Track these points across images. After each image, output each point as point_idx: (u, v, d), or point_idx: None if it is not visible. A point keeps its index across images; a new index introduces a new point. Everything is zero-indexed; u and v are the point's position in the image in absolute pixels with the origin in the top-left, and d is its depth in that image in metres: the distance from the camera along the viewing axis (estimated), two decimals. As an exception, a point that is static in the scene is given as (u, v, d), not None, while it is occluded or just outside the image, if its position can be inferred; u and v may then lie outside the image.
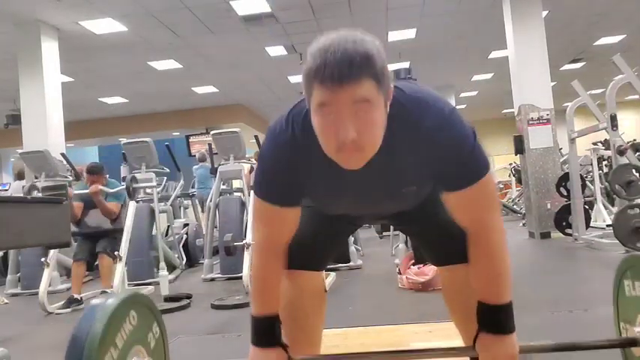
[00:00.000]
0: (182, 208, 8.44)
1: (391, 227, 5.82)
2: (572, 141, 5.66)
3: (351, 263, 4.94)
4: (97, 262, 4.59)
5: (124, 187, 4.45)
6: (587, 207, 5.81)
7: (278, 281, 1.35)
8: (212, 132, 5.43)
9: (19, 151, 5.96)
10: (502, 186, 13.83)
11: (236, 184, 6.38)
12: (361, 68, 0.99)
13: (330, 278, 4.25)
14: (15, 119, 8.97)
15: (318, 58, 1.01)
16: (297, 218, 1.30)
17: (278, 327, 1.32)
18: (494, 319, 1.24)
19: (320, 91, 1.01)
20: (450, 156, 1.15)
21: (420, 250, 1.51)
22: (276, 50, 8.98)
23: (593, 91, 10.45)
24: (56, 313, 4.01)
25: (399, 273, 3.90)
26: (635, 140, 7.81)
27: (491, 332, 1.23)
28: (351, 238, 5.07)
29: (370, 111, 1.02)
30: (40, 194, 4.33)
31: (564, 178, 5.92)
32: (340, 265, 4.94)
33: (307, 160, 1.19)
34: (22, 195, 4.84)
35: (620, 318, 1.47)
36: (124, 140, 5.58)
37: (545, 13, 6.98)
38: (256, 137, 6.09)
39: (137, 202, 4.62)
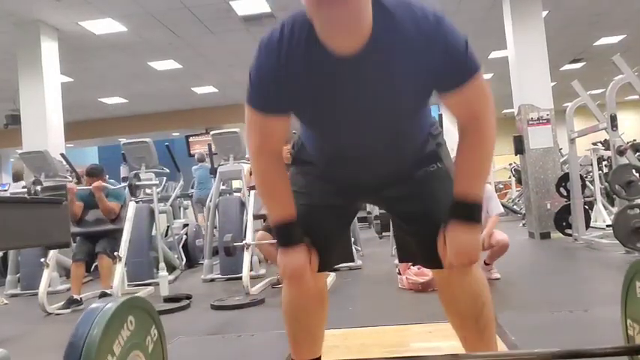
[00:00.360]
0: (182, 209, 8.44)
1: (391, 228, 5.81)
2: (572, 141, 5.66)
3: (351, 264, 4.94)
4: (96, 263, 4.59)
5: (125, 186, 4.45)
6: (587, 207, 5.81)
7: (283, 182, 1.39)
8: (212, 132, 5.43)
9: (19, 151, 5.95)
10: (502, 186, 13.83)
11: (236, 184, 6.38)
12: None
13: (329, 278, 4.25)
14: (14, 119, 8.97)
15: None
16: (286, 129, 1.32)
17: (296, 228, 1.38)
18: (467, 209, 1.29)
19: None
20: (447, 53, 1.17)
21: (414, 253, 1.47)
22: (276, 50, 8.96)
23: (593, 92, 10.44)
24: (56, 314, 4.01)
25: (399, 273, 3.90)
26: (635, 140, 7.80)
27: (462, 221, 1.28)
28: (351, 238, 5.06)
29: None
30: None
31: (564, 179, 5.92)
32: (340, 265, 4.93)
33: (296, 58, 1.19)
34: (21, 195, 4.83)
35: (627, 316, 1.48)
36: (123, 140, 5.58)
37: (545, 13, 6.98)
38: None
39: (137, 202, 4.62)
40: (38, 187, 4.12)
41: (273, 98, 1.25)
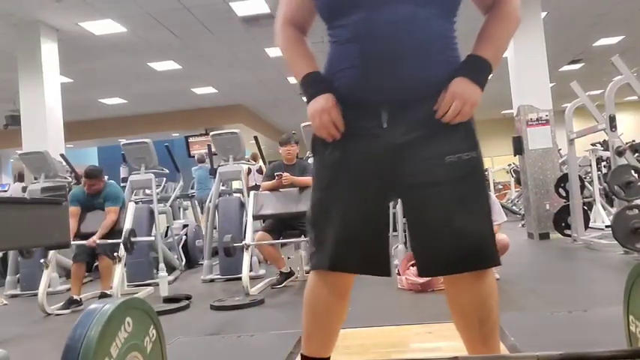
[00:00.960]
0: (181, 209, 8.45)
1: (390, 229, 5.81)
2: (571, 142, 5.67)
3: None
4: (96, 264, 4.59)
5: (124, 186, 4.42)
6: (586, 208, 5.82)
7: (305, 45, 1.46)
8: (211, 133, 5.43)
9: (19, 151, 5.95)
10: (501, 187, 13.84)
11: (235, 185, 6.38)
12: None
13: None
14: (14, 120, 8.96)
15: None
16: (307, 9, 1.42)
17: (321, 78, 1.39)
18: (477, 67, 1.33)
19: None
20: None
21: (419, 255, 1.40)
22: (276, 51, 8.97)
23: (592, 92, 10.42)
24: (55, 314, 4.01)
25: (398, 274, 3.90)
26: (633, 141, 7.79)
27: (467, 77, 1.30)
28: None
29: None
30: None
31: (563, 179, 5.93)
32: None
33: None
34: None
35: (630, 312, 1.48)
36: (123, 141, 5.58)
37: (544, 14, 6.99)
38: (256, 138, 6.09)
39: (136, 203, 4.61)
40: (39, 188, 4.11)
41: None
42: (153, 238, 4.92)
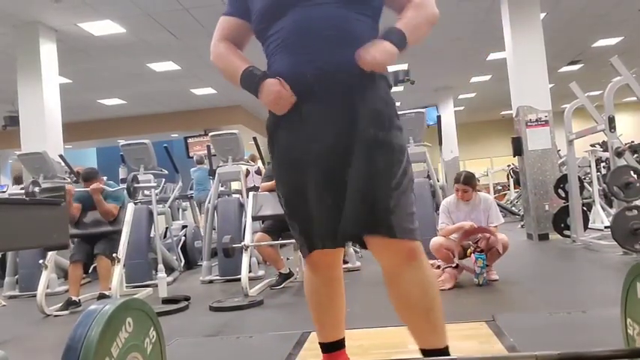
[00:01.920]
0: (180, 210, 8.44)
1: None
2: (570, 143, 5.67)
3: (349, 265, 4.94)
4: (94, 264, 4.58)
5: (123, 188, 4.43)
6: (585, 209, 5.82)
7: (237, 51, 1.63)
8: (210, 133, 5.43)
9: (18, 152, 5.95)
10: (500, 188, 13.85)
11: (234, 185, 6.38)
12: None
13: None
14: (13, 121, 8.97)
15: None
16: (242, 30, 1.61)
17: (257, 69, 1.55)
18: (393, 34, 1.43)
19: None
20: None
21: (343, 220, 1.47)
22: (275, 52, 8.97)
23: (591, 93, 10.45)
24: (54, 315, 4.00)
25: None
26: (633, 142, 7.81)
27: (386, 39, 1.42)
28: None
29: None
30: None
31: (562, 180, 5.93)
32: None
33: None
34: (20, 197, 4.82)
35: (627, 315, 1.49)
36: (122, 142, 5.58)
37: (543, 15, 6.99)
38: (255, 139, 6.09)
39: (135, 203, 4.61)
40: (36, 189, 4.13)
41: (236, 6, 1.61)
42: (152, 185, 4.96)
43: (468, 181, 3.89)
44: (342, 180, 1.43)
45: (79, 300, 4.17)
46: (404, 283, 1.46)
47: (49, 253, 4.32)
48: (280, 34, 1.48)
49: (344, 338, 1.77)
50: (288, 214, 1.60)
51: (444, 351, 1.48)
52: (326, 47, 1.43)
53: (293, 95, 1.46)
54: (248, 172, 7.81)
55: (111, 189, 4.59)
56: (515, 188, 11.29)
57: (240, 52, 1.62)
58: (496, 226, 3.86)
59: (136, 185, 4.42)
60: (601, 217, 6.10)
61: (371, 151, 1.40)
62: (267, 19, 1.51)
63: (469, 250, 3.75)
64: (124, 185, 4.61)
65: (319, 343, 1.76)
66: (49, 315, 4.00)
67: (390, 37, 1.42)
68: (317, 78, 1.43)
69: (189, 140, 13.76)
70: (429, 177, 5.35)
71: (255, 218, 4.52)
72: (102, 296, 4.09)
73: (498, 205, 10.07)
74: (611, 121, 4.78)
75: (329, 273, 1.69)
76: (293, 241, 4.49)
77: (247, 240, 4.24)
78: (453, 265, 3.72)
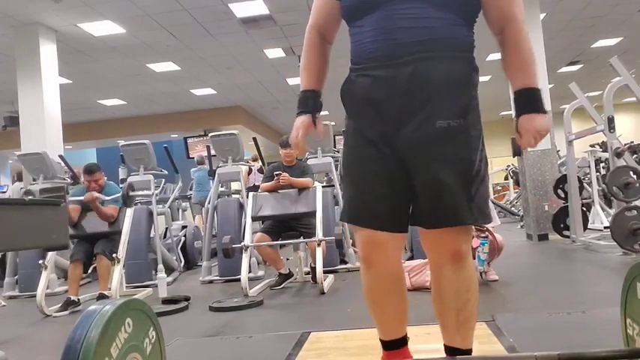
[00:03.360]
0: (180, 210, 8.44)
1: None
2: (569, 143, 5.68)
3: (350, 265, 4.95)
4: (94, 264, 4.58)
5: (123, 189, 4.42)
6: (584, 209, 5.82)
7: (322, 59, 1.62)
8: (210, 134, 5.43)
9: (17, 153, 5.95)
10: (500, 188, 13.85)
11: (234, 186, 6.38)
12: None
13: (328, 280, 4.25)
14: (13, 121, 8.97)
15: None
16: (335, 11, 1.54)
17: (316, 99, 1.60)
18: (529, 99, 1.43)
19: None
20: None
21: (416, 214, 1.49)
22: (275, 52, 8.99)
23: (591, 94, 10.47)
24: (54, 316, 4.00)
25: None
26: (632, 142, 7.82)
27: (528, 112, 1.42)
28: (350, 240, 5.07)
29: None
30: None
31: (562, 180, 5.93)
32: (338, 267, 4.95)
33: None
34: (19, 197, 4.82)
35: (627, 315, 1.49)
36: (122, 142, 5.58)
37: (542, 15, 7.00)
38: (254, 139, 6.10)
39: (135, 204, 4.61)
40: (29, 197, 4.12)
41: None
42: (150, 193, 4.92)
43: None
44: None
45: (79, 299, 4.17)
46: (444, 280, 1.50)
47: (49, 254, 4.31)
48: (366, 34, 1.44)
49: (405, 335, 1.68)
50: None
51: (466, 352, 1.53)
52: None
53: (299, 148, 1.62)
54: (250, 170, 7.82)
55: (107, 197, 4.53)
56: (514, 189, 11.29)
57: (320, 56, 1.61)
58: (493, 227, 3.86)
59: (131, 194, 4.37)
60: (600, 218, 6.10)
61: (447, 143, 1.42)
62: (353, 16, 1.48)
63: (473, 241, 3.72)
64: (125, 185, 4.60)
65: (379, 340, 1.69)
66: (48, 315, 4.00)
67: (540, 105, 1.43)
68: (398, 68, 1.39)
69: (189, 141, 13.75)
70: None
71: (255, 218, 4.52)
72: (101, 296, 4.08)
73: (498, 205, 10.07)
74: (611, 121, 4.78)
75: (385, 269, 1.55)
76: (293, 241, 4.50)
77: (247, 240, 4.24)
78: None
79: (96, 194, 4.38)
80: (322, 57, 1.61)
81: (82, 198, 4.37)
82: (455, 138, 1.38)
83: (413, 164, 1.42)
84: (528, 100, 1.43)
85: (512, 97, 1.48)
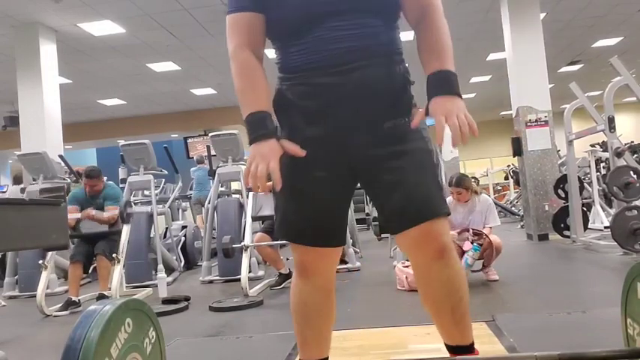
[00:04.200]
0: (180, 210, 8.44)
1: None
2: (570, 143, 5.67)
3: (349, 265, 4.94)
4: (94, 265, 4.58)
5: (120, 206, 4.38)
6: (585, 209, 5.82)
7: (261, 76, 1.43)
8: (210, 134, 5.43)
9: (17, 153, 5.95)
10: (500, 188, 13.85)
11: (234, 186, 6.38)
12: None
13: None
14: (13, 121, 8.97)
15: None
16: (261, 26, 1.42)
17: (271, 119, 1.40)
18: (444, 81, 1.35)
19: None
20: None
21: (383, 216, 1.48)
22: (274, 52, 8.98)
23: (591, 93, 10.47)
24: (54, 316, 4.00)
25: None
26: (632, 142, 7.83)
27: (442, 94, 1.33)
28: (350, 240, 5.07)
29: None
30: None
31: (562, 180, 5.93)
32: (339, 267, 4.94)
33: None
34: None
35: (627, 315, 1.49)
36: (122, 142, 5.58)
37: (543, 15, 7.00)
38: (254, 139, 6.08)
39: (135, 204, 4.61)
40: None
41: None
42: (149, 209, 4.86)
43: (459, 184, 3.89)
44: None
45: (79, 300, 4.17)
46: (433, 280, 1.45)
47: (49, 254, 4.31)
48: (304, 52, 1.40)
49: (327, 358, 1.60)
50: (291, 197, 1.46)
51: (469, 347, 1.50)
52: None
53: (266, 188, 1.37)
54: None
55: (105, 216, 4.50)
56: (514, 188, 11.29)
57: (260, 77, 1.44)
58: (490, 228, 3.86)
59: (129, 211, 4.34)
60: (601, 218, 6.09)
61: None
62: (293, 31, 1.41)
63: (465, 237, 3.75)
64: (124, 185, 4.60)
65: None
66: (48, 315, 4.00)
67: (456, 88, 1.36)
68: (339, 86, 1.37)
69: (189, 140, 13.76)
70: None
71: (254, 218, 4.52)
72: (101, 296, 4.08)
73: (498, 205, 10.05)
74: (611, 121, 4.78)
75: (321, 282, 1.52)
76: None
77: (247, 240, 4.24)
78: None
79: (92, 212, 4.34)
80: (264, 76, 1.44)
81: (79, 216, 4.36)
82: (407, 134, 1.39)
83: (370, 170, 1.40)
84: (447, 82, 1.35)
85: (426, 81, 1.38)
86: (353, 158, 1.41)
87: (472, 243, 3.69)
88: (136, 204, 4.68)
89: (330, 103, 1.37)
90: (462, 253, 3.74)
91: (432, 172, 1.41)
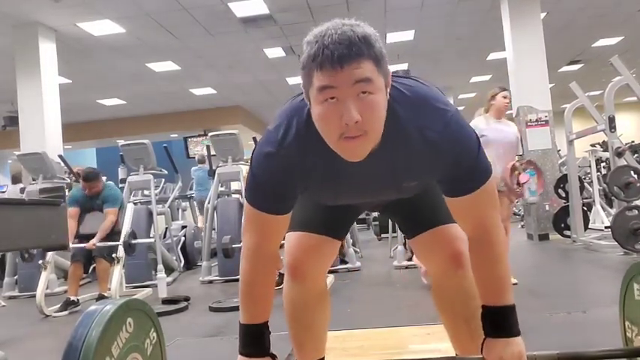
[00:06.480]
0: (180, 210, 8.43)
1: (389, 229, 5.82)
2: (570, 143, 5.67)
3: (350, 265, 4.94)
4: (94, 265, 4.57)
5: (125, 236, 4.37)
6: (585, 209, 5.82)
7: (268, 287, 1.30)
8: (210, 134, 5.43)
9: (17, 153, 5.94)
10: (500, 188, 13.82)
11: (234, 185, 6.37)
12: (360, 48, 0.98)
13: (328, 280, 4.25)
14: (13, 121, 8.97)
15: (315, 44, 0.99)
16: (287, 222, 1.26)
17: (267, 335, 1.29)
18: (502, 320, 1.23)
19: (320, 75, 0.99)
20: (455, 163, 1.12)
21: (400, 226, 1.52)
22: (275, 52, 8.98)
23: (592, 93, 10.46)
24: (53, 316, 4.00)
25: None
26: (633, 142, 7.82)
27: (499, 335, 1.22)
28: (350, 240, 5.07)
29: (372, 92, 1.00)
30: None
31: (563, 180, 5.93)
32: (338, 267, 4.94)
33: (307, 163, 1.14)
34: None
35: (625, 317, 1.48)
36: (121, 142, 5.57)
37: (543, 14, 7.00)
38: (254, 139, 6.09)
39: (135, 204, 4.60)
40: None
41: (280, 202, 1.19)
42: (152, 240, 4.91)
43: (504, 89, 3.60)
44: None
45: (78, 299, 4.17)
46: (451, 290, 1.41)
47: (49, 254, 4.31)
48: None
49: (324, 358, 1.58)
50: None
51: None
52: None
53: None
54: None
55: (105, 244, 4.49)
56: (515, 188, 11.26)
57: (268, 287, 1.31)
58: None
59: (132, 242, 4.34)
60: (601, 217, 6.09)
61: None
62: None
63: (517, 172, 3.48)
64: (123, 185, 4.59)
65: None
66: (48, 315, 4.00)
67: (514, 327, 1.24)
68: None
69: (189, 141, 13.75)
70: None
71: (254, 218, 4.50)
72: (101, 297, 4.08)
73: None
74: (612, 121, 4.78)
75: (313, 283, 1.47)
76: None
77: (247, 240, 4.23)
78: None
79: (96, 242, 4.24)
80: (271, 283, 1.31)
81: (82, 245, 4.26)
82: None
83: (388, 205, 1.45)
84: (504, 321, 1.23)
85: (481, 312, 1.26)
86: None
87: (524, 172, 3.48)
88: (135, 204, 4.67)
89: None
90: (520, 186, 3.51)
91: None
